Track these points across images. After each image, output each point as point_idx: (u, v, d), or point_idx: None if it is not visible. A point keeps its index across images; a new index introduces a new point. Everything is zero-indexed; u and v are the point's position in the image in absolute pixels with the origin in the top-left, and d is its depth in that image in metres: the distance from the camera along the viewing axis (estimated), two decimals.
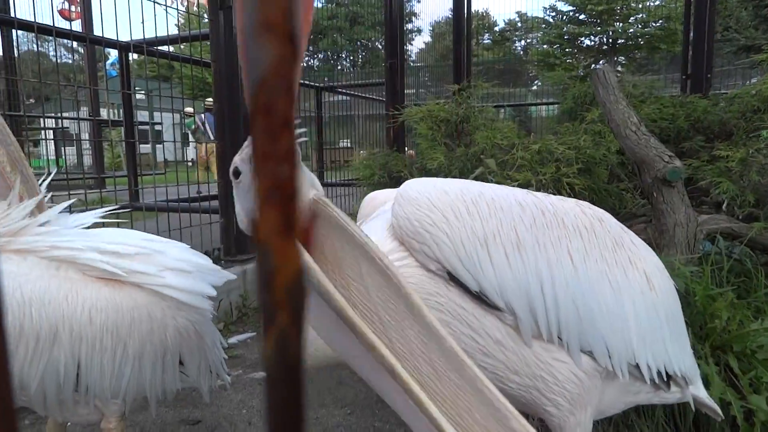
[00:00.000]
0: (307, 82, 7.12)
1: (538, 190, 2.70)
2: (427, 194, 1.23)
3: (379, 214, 1.47)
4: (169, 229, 3.56)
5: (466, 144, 3.47)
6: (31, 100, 11.41)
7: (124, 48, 3.97)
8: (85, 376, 1.52)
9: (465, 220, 1.21)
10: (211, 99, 8.17)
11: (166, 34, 3.91)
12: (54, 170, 2.42)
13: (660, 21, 15.40)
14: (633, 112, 2.60)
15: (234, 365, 3.04)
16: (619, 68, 17.28)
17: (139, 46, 3.86)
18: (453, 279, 1.21)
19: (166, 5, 4.03)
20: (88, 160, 10.55)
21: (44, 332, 1.45)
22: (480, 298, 1.20)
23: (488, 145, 2.90)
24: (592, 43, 15.90)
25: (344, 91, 7.48)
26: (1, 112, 3.72)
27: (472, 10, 7.40)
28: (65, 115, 8.36)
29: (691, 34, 6.25)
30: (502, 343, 1.23)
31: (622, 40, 15.37)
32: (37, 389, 1.47)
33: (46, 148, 9.25)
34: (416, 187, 1.26)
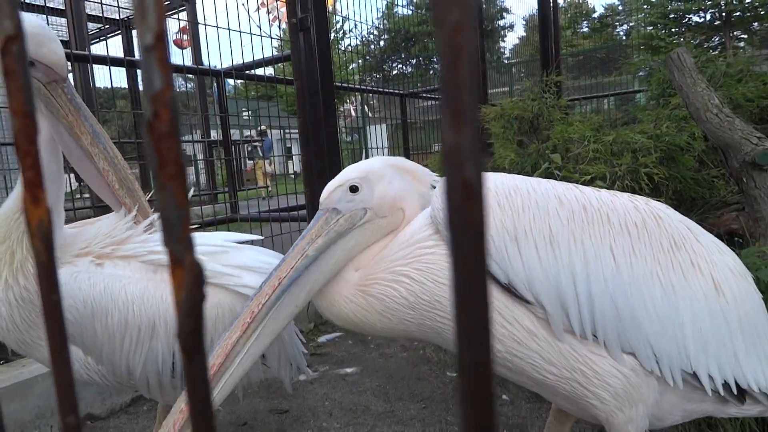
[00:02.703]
0: (389, 90, 7.31)
1: (612, 182, 2.61)
2: None
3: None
4: (262, 236, 3.88)
5: (542, 140, 3.42)
6: None
7: (216, 74, 4.41)
8: (179, 364, 1.76)
9: (495, 214, 1.25)
10: (264, 126, 9.11)
11: (253, 59, 4.27)
12: None
13: None
14: (714, 94, 2.44)
15: (322, 362, 3.25)
16: (738, 43, 15.61)
17: (229, 73, 4.28)
18: None
19: (258, 33, 4.40)
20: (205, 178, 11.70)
21: (144, 326, 1.71)
22: (509, 290, 1.24)
23: (559, 140, 2.85)
24: (701, 19, 14.51)
25: (427, 95, 7.58)
26: (116, 139, 4.27)
27: None
28: (184, 139, 9.31)
29: None
30: (535, 333, 1.25)
31: (738, 13, 13.87)
32: (141, 374, 1.73)
33: None
34: None
